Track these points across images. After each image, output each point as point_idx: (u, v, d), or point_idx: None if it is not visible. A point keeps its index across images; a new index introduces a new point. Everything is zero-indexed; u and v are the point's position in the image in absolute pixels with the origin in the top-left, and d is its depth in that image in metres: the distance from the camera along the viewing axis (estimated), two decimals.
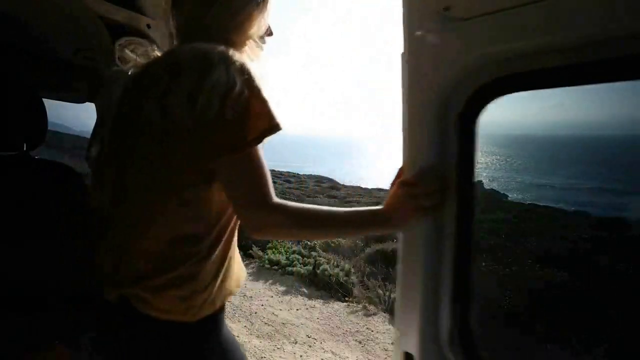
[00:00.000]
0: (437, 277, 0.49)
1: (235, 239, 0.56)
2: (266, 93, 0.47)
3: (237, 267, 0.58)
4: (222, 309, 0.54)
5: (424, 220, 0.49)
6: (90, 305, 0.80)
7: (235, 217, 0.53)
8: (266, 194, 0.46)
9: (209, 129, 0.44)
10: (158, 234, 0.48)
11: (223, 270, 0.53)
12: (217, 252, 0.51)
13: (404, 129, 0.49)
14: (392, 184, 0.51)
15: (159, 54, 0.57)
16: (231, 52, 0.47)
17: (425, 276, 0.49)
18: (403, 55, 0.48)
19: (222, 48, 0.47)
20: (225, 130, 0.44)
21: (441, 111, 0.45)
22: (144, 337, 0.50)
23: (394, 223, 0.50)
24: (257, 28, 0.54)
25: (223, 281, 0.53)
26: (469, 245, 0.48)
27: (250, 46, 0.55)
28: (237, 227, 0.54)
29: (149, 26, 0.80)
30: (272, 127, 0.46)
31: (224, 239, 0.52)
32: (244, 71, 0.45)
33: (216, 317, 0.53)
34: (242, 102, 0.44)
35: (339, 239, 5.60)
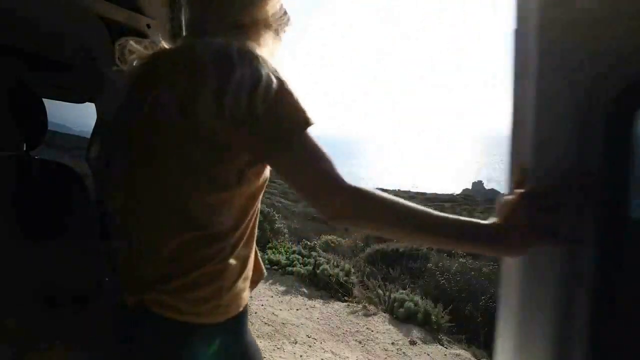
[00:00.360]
0: (564, 341, 0.34)
1: (255, 235, 0.54)
2: (292, 86, 0.45)
3: (258, 264, 0.57)
4: (246, 308, 0.52)
5: (551, 249, 0.35)
6: (90, 305, 0.80)
7: (256, 213, 0.52)
8: (335, 178, 0.43)
9: (246, 128, 0.43)
10: (182, 235, 0.46)
11: (246, 269, 0.52)
12: (239, 250, 0.49)
13: (522, 126, 0.36)
14: (512, 190, 0.38)
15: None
16: (249, 46, 0.45)
17: (547, 337, 0.34)
18: (517, 32, 0.36)
19: (240, 44, 0.45)
20: (265, 126, 0.43)
21: (587, 104, 0.33)
22: (171, 342, 0.47)
23: (506, 244, 0.38)
24: (271, 7, 0.51)
25: (246, 279, 0.52)
26: (615, 293, 0.33)
27: (267, 38, 0.52)
28: (257, 223, 0.53)
29: (149, 26, 0.80)
30: (307, 118, 0.44)
31: (246, 236, 0.51)
32: (266, 65, 0.44)
33: (242, 317, 0.52)
34: (273, 95, 0.42)
35: (339, 239, 5.60)
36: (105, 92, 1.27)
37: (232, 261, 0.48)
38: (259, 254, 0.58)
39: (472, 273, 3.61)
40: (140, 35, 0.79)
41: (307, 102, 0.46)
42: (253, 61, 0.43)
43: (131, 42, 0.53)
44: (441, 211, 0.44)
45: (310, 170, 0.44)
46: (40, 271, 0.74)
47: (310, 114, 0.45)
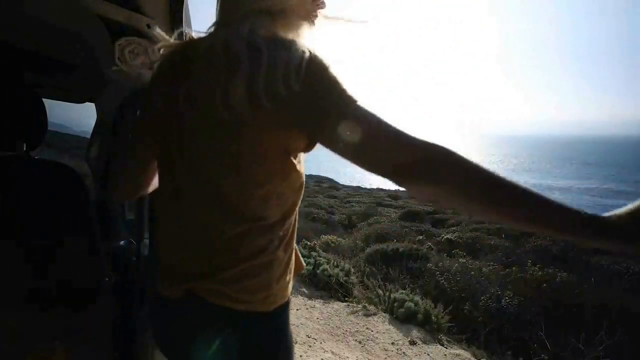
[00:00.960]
0: None
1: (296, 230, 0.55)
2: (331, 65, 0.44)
3: (298, 257, 0.58)
4: (289, 298, 0.54)
5: None
6: (90, 305, 0.80)
7: (298, 203, 0.52)
8: (406, 135, 0.40)
9: (287, 109, 0.42)
10: (236, 227, 0.46)
11: (292, 261, 0.53)
12: (286, 242, 0.51)
13: None
14: None
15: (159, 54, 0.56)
16: (277, 32, 0.46)
17: None
18: None
19: (267, 30, 0.45)
20: (312, 100, 0.42)
21: None
22: (225, 329, 0.48)
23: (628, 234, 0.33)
24: None
25: (291, 271, 0.53)
26: None
27: (299, 25, 0.51)
28: (297, 214, 0.54)
29: (149, 26, 0.80)
30: (352, 92, 0.43)
31: (291, 229, 0.52)
32: (296, 45, 0.43)
33: (287, 306, 0.53)
34: (313, 70, 0.42)
35: (339, 239, 5.59)
36: (105, 92, 1.27)
37: (280, 253, 0.49)
38: (298, 249, 0.59)
39: (472, 273, 3.61)
40: (140, 35, 0.79)
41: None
42: (280, 43, 0.43)
43: (126, 51, 0.53)
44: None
45: (379, 133, 0.40)
46: (40, 271, 0.74)
47: (354, 89, 0.43)
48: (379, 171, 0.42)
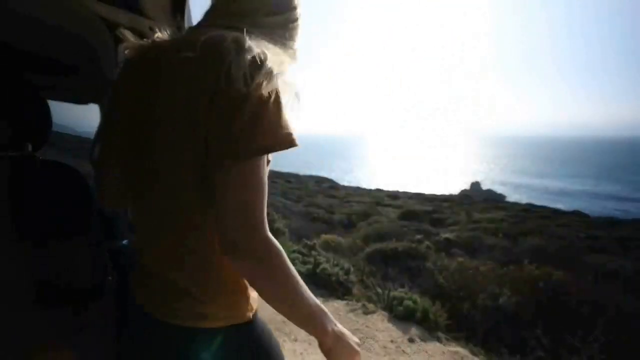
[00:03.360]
0: None
1: None
2: (287, 100, 0.42)
3: None
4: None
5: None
6: (90, 305, 0.81)
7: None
8: (263, 220, 0.41)
9: (220, 129, 0.40)
10: (202, 240, 0.45)
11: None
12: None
13: None
14: None
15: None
16: (251, 40, 0.42)
17: None
18: None
19: (237, 35, 0.42)
20: (235, 133, 0.39)
21: None
22: (209, 350, 0.46)
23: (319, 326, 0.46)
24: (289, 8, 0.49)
25: None
26: None
27: (276, 35, 0.49)
28: None
29: (151, 29, 0.81)
30: (285, 140, 0.40)
31: None
32: (263, 67, 0.40)
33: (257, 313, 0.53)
34: (258, 104, 0.39)
35: (339, 239, 5.61)
36: (108, 93, 1.27)
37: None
38: None
39: (470, 272, 3.63)
40: (143, 38, 0.80)
41: (293, 122, 0.41)
42: (249, 55, 0.40)
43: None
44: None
45: (246, 196, 0.40)
46: (42, 271, 0.75)
47: (294, 135, 0.41)
48: (221, 230, 0.41)
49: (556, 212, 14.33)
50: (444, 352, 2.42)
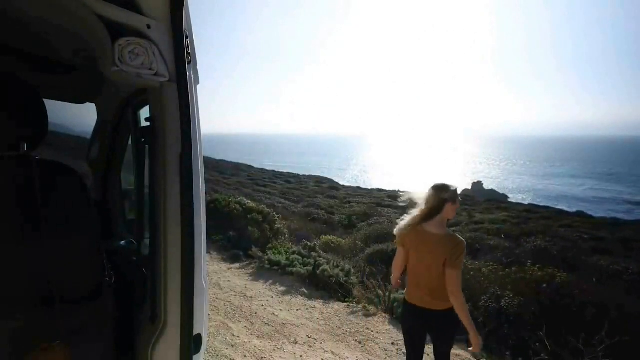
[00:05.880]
0: None
1: None
2: None
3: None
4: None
5: None
6: (91, 304, 0.80)
7: None
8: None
9: None
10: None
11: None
12: None
13: None
14: None
15: (159, 54, 0.54)
16: None
17: None
18: None
19: None
20: None
21: None
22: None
23: None
24: None
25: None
26: None
27: None
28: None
29: (149, 26, 0.80)
30: None
31: None
32: None
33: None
34: None
35: (339, 239, 5.59)
36: (105, 92, 1.27)
37: None
38: None
39: (472, 273, 3.61)
40: (140, 35, 0.79)
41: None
42: None
43: (126, 51, 0.46)
44: None
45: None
46: (40, 271, 0.74)
47: None
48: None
49: (559, 213, 14.24)
50: None
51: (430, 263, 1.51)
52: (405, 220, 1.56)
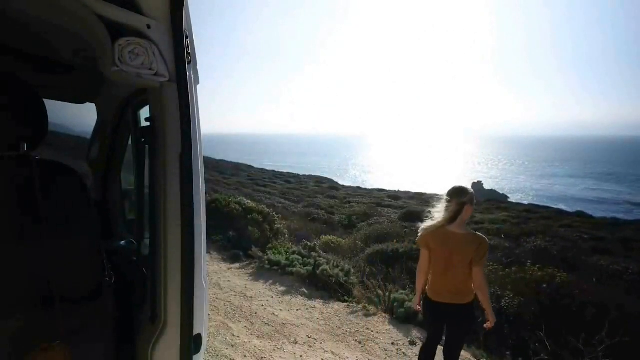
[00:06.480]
0: None
1: None
2: None
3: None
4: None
5: None
6: (91, 304, 0.80)
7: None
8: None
9: None
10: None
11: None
12: None
13: None
14: None
15: (159, 54, 0.54)
16: None
17: None
18: None
19: None
20: None
21: None
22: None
23: None
24: None
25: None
26: None
27: None
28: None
29: (149, 26, 0.80)
30: None
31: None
32: None
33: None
34: None
35: (339, 239, 5.59)
36: (105, 92, 1.27)
37: None
38: None
39: None
40: (140, 35, 0.79)
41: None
42: None
43: (126, 51, 0.46)
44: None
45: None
46: (40, 271, 0.74)
47: None
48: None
49: (559, 213, 14.24)
50: None
51: (457, 262, 1.63)
52: (429, 223, 1.68)
